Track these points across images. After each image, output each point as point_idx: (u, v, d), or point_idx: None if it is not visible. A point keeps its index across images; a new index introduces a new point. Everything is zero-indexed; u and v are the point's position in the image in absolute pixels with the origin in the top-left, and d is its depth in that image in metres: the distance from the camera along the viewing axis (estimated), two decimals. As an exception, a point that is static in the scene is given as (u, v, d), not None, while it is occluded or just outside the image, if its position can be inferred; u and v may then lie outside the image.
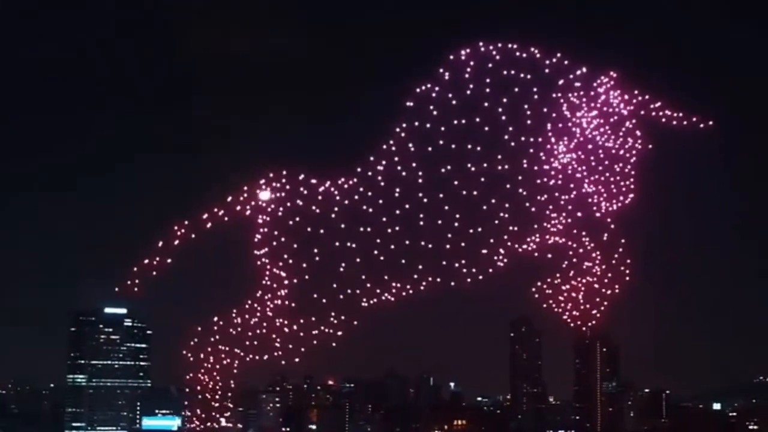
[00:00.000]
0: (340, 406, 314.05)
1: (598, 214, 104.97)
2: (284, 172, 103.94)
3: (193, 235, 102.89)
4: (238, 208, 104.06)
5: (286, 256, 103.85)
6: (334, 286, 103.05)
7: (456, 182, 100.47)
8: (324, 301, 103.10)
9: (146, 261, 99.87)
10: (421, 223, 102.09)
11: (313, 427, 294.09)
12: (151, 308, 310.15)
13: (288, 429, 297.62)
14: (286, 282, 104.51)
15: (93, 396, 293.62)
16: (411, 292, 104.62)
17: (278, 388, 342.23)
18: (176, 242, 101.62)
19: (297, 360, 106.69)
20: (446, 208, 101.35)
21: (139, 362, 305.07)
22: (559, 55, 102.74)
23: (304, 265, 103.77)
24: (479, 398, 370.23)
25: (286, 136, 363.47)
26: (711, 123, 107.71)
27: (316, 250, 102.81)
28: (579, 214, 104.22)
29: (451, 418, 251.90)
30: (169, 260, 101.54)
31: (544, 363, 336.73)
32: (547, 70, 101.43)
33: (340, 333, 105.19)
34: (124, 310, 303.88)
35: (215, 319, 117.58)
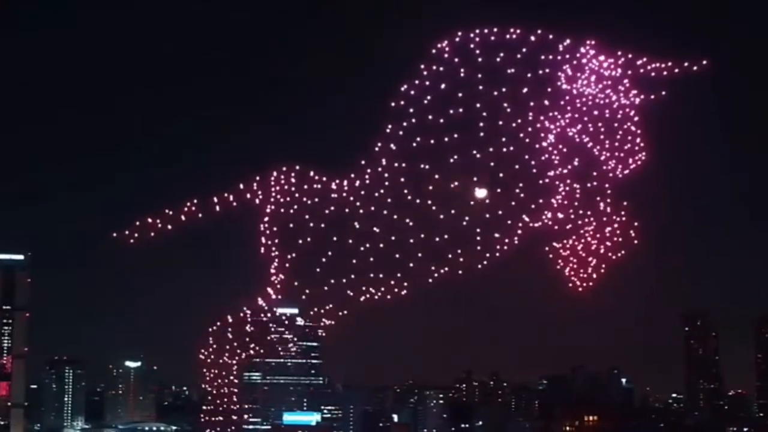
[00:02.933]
0: (505, 403, 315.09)
1: (597, 180, 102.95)
2: (297, 167, 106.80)
3: (200, 215, 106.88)
4: (249, 195, 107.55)
5: (289, 250, 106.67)
6: (337, 280, 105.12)
7: (458, 170, 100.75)
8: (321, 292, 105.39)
9: (150, 220, 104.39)
10: (408, 221, 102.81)
11: (480, 423, 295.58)
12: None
13: (466, 425, 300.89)
14: (280, 275, 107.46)
15: (267, 393, 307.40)
16: (423, 284, 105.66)
17: (464, 385, 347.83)
18: (182, 217, 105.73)
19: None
20: (436, 203, 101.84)
21: (310, 360, 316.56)
22: (540, 31, 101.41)
23: (304, 258, 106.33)
24: (674, 395, 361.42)
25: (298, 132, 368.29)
26: (705, 63, 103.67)
27: (303, 242, 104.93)
28: (578, 186, 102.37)
29: (582, 413, 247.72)
30: (170, 227, 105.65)
31: (722, 357, 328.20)
32: (533, 48, 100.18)
33: (331, 323, 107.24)
34: (296, 310, 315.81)
35: (228, 318, 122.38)
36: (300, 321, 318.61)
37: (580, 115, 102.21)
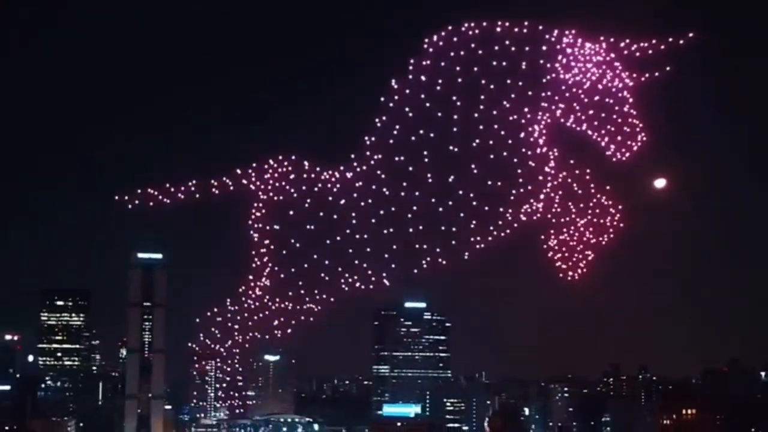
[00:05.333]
0: (635, 398, 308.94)
1: (581, 167, 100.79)
2: (293, 157, 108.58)
3: (197, 195, 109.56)
4: (244, 181, 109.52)
5: (279, 236, 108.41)
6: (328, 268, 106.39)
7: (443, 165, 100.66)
8: (301, 283, 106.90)
9: (150, 190, 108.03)
10: (386, 213, 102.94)
11: (607, 418, 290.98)
12: (449, 302, 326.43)
13: (597, 420, 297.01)
14: (271, 262, 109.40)
15: (395, 385, 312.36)
16: (416, 272, 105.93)
17: (611, 379, 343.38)
18: (180, 195, 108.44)
19: (278, 334, 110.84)
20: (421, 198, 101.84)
21: (438, 353, 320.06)
22: (526, 23, 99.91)
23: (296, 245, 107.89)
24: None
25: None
26: (691, 35, 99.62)
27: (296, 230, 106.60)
28: (564, 174, 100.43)
29: (680, 407, 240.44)
30: (167, 201, 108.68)
31: None
32: (521, 41, 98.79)
33: (318, 308, 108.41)
34: (423, 304, 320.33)
35: (214, 309, 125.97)
36: (428, 315, 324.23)
37: (574, 103, 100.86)
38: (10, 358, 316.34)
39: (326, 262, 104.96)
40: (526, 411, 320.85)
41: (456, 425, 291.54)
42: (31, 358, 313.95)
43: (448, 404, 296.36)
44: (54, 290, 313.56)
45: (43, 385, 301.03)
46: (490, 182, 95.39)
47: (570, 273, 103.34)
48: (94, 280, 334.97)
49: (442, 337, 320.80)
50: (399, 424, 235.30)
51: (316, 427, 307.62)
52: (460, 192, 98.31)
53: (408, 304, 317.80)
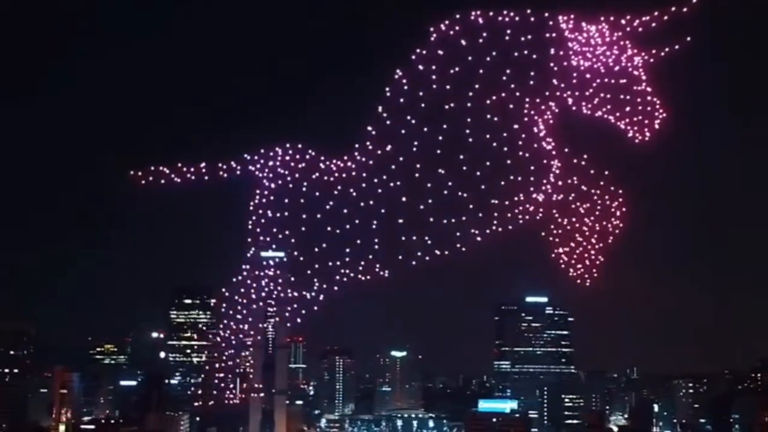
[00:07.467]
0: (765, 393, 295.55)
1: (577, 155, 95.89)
2: (299, 146, 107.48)
3: (206, 177, 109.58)
4: (251, 167, 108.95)
5: (279, 225, 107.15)
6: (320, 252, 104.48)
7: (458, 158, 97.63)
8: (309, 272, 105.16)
9: (163, 168, 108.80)
10: (401, 201, 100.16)
11: (737, 416, 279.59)
12: (572, 296, 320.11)
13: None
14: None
15: (517, 381, 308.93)
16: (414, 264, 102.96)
17: (759, 374, 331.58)
18: (190, 175, 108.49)
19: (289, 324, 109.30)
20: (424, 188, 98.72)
21: (561, 349, 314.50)
22: (529, 11, 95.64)
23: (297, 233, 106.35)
24: None
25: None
26: (694, 1, 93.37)
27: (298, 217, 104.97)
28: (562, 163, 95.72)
29: None
30: (178, 180, 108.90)
31: None
32: (524, 30, 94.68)
33: (321, 297, 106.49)
34: (545, 299, 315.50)
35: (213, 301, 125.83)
36: (550, 309, 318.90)
37: (587, 89, 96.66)
38: (153, 355, 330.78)
39: (326, 250, 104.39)
40: (656, 407, 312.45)
41: (575, 422, 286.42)
42: (162, 354, 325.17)
43: (567, 400, 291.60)
44: (183, 289, 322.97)
45: (174, 381, 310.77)
46: (492, 175, 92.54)
47: (581, 273, 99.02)
48: (220, 278, 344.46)
49: (565, 332, 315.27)
50: (494, 419, 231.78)
51: (444, 422, 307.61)
52: (461, 184, 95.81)
53: (529, 299, 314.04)
